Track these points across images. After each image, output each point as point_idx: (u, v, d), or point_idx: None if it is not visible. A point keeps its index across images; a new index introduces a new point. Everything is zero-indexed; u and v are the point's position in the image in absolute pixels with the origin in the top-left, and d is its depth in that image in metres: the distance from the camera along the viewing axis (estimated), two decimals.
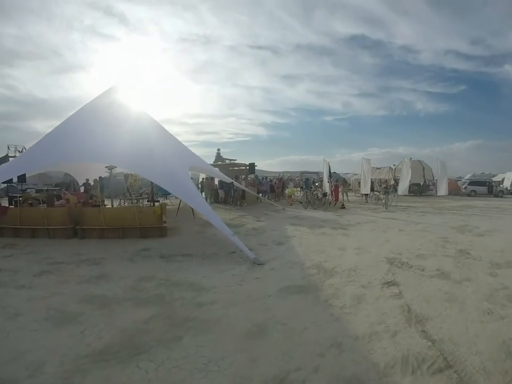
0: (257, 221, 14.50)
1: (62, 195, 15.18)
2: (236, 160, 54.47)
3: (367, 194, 23.56)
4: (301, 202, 20.10)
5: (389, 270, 6.92)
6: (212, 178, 22.67)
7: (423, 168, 30.75)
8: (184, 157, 13.23)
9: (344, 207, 19.13)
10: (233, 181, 18.71)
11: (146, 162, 10.36)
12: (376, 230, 11.83)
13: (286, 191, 22.49)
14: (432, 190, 30.44)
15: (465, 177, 41.07)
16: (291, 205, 21.12)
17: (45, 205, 12.31)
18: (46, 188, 24.61)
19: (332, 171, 20.32)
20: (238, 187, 19.83)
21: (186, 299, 5.38)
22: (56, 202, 12.80)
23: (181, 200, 15.21)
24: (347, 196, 24.44)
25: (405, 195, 25.76)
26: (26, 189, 21.73)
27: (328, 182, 19.95)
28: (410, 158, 29.36)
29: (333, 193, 22.88)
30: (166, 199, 20.25)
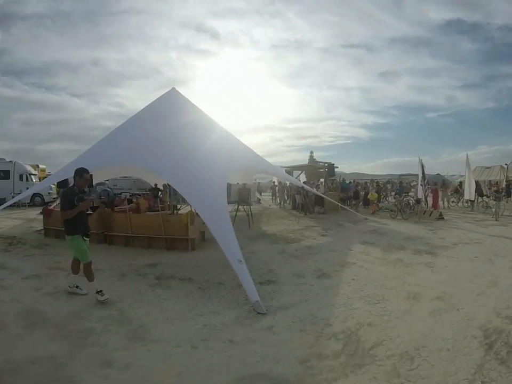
0: (322, 235, 11.89)
1: (135, 199, 14.96)
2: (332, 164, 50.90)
3: (473, 201, 19.14)
4: (391, 211, 16.43)
5: (482, 365, 3.70)
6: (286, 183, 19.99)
7: None
8: (232, 160, 10.85)
9: (443, 218, 15.37)
10: (303, 185, 15.93)
11: (175, 167, 9.15)
12: (479, 259, 8.42)
13: (368, 197, 18.84)
14: None
15: None
16: (372, 213, 17.89)
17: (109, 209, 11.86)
18: (139, 193, 24.32)
19: (424, 172, 16.28)
20: (311, 192, 16.93)
21: (96, 355, 3.93)
22: (126, 206, 12.04)
23: (238, 206, 13.95)
24: (448, 202, 20.24)
25: None
26: (121, 193, 21.81)
27: (421, 185, 16.00)
28: None
29: (432, 199, 19.31)
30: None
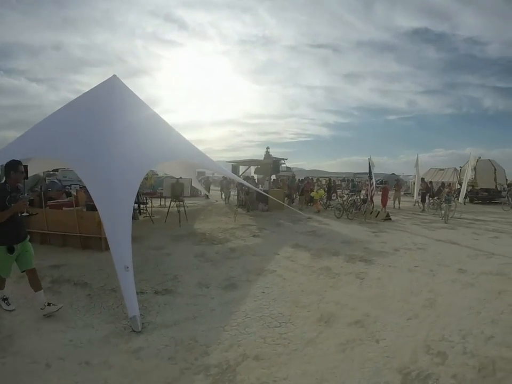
0: (255, 235, 10.61)
1: (75, 193, 12.89)
2: (286, 159, 49.30)
3: (424, 201, 18.18)
4: (337, 210, 15.13)
5: None
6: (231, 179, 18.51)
7: (495, 169, 23.99)
8: (159, 153, 9.23)
9: (390, 219, 14.24)
10: (242, 181, 14.47)
11: (92, 159, 7.48)
12: (419, 269, 7.15)
13: (312, 195, 17.41)
14: (505, 197, 24.06)
15: None
16: (317, 211, 16.64)
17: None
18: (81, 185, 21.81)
19: (372, 171, 14.98)
20: (252, 189, 15.48)
21: None
22: (64, 200, 10.96)
23: (171, 202, 13.10)
24: (399, 202, 19.24)
25: (472, 203, 20.47)
26: (70, 185, 19.36)
27: (369, 184, 14.72)
28: (479, 157, 23.37)
29: (381, 198, 18.28)
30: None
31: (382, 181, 35.22)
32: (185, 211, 12.69)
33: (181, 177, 13.78)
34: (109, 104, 9.44)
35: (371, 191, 14.01)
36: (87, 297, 5.34)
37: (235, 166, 20.56)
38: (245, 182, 14.64)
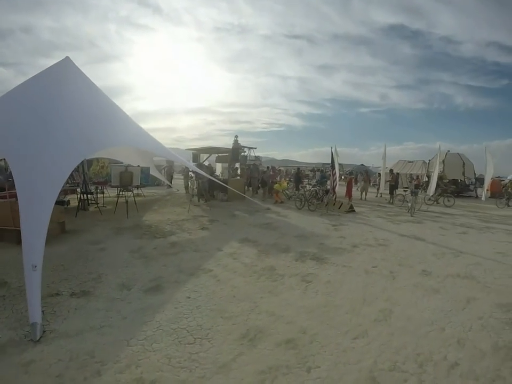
0: (203, 227, 9.64)
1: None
2: (255, 148, 47.84)
3: (392, 194, 17.41)
4: (299, 200, 14.15)
5: None
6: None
7: (463, 163, 23.52)
8: (102, 139, 8.47)
9: (353, 210, 13.38)
10: (196, 169, 13.20)
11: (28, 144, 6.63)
12: (378, 270, 6.27)
13: (275, 186, 16.33)
14: (473, 190, 23.68)
15: (509, 177, 32.85)
16: (279, 202, 15.64)
17: None
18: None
19: (334, 161, 13.93)
20: (206, 178, 14.33)
21: None
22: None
23: (119, 192, 12.23)
24: (366, 193, 18.48)
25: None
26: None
27: (331, 174, 13.69)
28: (448, 151, 22.97)
29: (346, 189, 17.43)
30: (137, 189, 16.06)
31: (351, 171, 34.76)
32: (135, 201, 11.96)
33: (129, 165, 12.66)
34: (57, 89, 8.62)
35: (333, 181, 13.03)
36: (1, 298, 4.63)
37: (195, 154, 19.38)
38: (198, 170, 13.38)
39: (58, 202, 10.70)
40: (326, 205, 13.33)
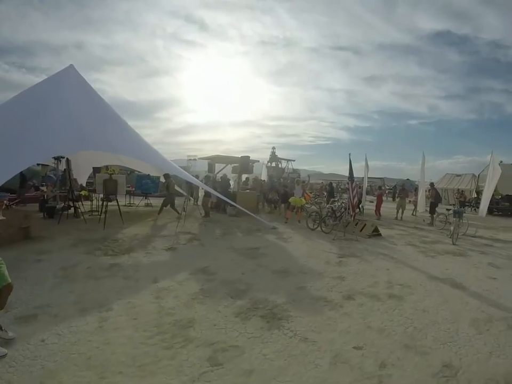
0: (170, 248, 7.71)
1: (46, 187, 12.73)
2: (294, 161, 45.04)
3: (432, 213, 14.02)
4: (313, 220, 11.34)
5: None
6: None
7: None
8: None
9: (379, 234, 10.35)
10: (194, 179, 11.19)
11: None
12: (360, 358, 3.50)
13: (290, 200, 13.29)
14: None
15: None
16: (286, 221, 12.67)
17: None
18: None
19: (353, 171, 10.68)
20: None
21: None
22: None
23: (103, 201, 10.60)
24: (402, 212, 15.23)
25: (491, 215, 16.68)
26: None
27: (349, 188, 10.53)
28: (501, 161, 18.99)
29: (375, 206, 14.55)
30: (146, 198, 15.41)
31: (395, 186, 31.24)
32: (120, 211, 10.50)
33: (113, 173, 11.22)
34: (54, 95, 8.95)
35: (352, 197, 9.97)
36: None
37: (211, 164, 17.14)
38: (197, 182, 11.37)
39: (50, 208, 10.80)
40: (346, 226, 10.41)
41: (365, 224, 10.63)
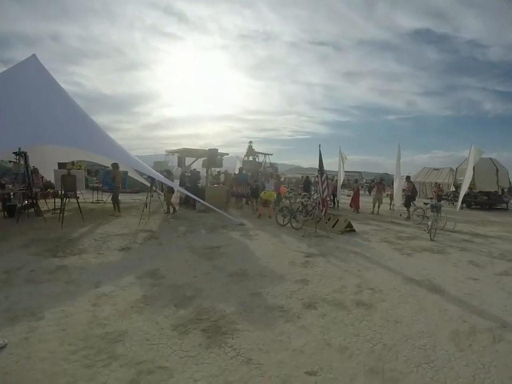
0: (124, 248, 6.97)
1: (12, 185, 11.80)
2: (271, 155, 44.42)
3: (408, 206, 13.45)
4: (283, 215, 10.62)
5: None
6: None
7: (497, 169, 19.21)
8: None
9: (353, 230, 9.71)
10: (156, 173, 10.63)
11: None
12: None
13: (261, 195, 12.49)
14: (507, 201, 19.47)
15: None
16: (259, 216, 11.99)
17: None
18: None
19: (323, 164, 9.87)
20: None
21: None
22: None
23: (61, 198, 9.68)
24: (379, 206, 14.59)
25: (469, 208, 16.87)
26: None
27: (318, 181, 9.70)
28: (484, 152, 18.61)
29: (352, 200, 14.04)
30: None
31: (373, 180, 30.86)
32: (79, 209, 9.78)
33: (72, 169, 11.17)
34: (13, 85, 8.76)
35: (322, 191, 9.22)
36: None
37: (180, 158, 16.29)
38: (159, 176, 10.65)
39: (10, 207, 10.06)
40: (318, 221, 9.69)
41: (338, 220, 9.94)
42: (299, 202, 10.75)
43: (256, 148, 45.66)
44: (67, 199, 9.61)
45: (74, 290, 4.51)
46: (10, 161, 13.85)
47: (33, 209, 10.30)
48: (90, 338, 3.26)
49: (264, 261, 6.28)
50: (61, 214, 8.99)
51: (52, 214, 10.54)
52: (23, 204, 10.18)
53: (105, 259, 6.10)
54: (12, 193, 11.00)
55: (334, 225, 9.75)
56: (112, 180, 11.66)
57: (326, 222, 9.78)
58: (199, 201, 11.41)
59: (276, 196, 12.90)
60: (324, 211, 9.22)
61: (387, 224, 11.51)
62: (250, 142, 45.41)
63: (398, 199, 13.79)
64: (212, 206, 10.59)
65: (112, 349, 3.10)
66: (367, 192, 26.11)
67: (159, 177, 10.58)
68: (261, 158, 44.45)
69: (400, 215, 13.70)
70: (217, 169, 18.25)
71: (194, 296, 4.42)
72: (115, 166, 11.35)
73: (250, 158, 43.59)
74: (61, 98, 9.51)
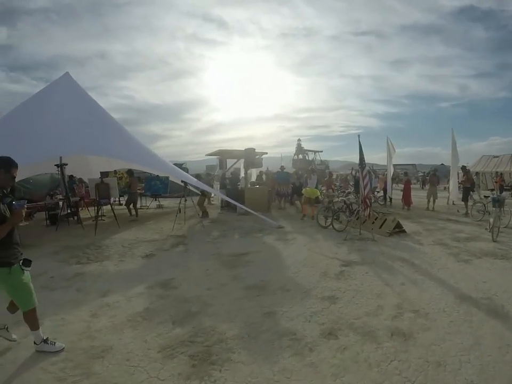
0: (149, 254, 6.79)
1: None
2: (321, 152, 43.51)
3: (466, 201, 12.02)
4: (324, 216, 9.75)
5: None
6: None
7: None
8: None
9: (402, 230, 8.67)
10: (189, 177, 10.96)
11: None
12: None
13: (303, 192, 11.52)
14: None
15: None
16: (303, 217, 11.08)
17: None
18: None
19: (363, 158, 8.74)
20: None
21: None
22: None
23: (98, 207, 9.98)
24: (434, 201, 13.20)
25: None
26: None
27: (360, 177, 8.73)
28: None
29: (403, 195, 13.81)
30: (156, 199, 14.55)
31: (429, 172, 28.79)
32: (115, 216, 9.87)
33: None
34: (50, 102, 9.01)
35: (364, 188, 8.21)
36: None
37: (221, 160, 15.90)
38: (192, 180, 10.67)
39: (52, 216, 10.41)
40: (364, 222, 8.74)
41: (385, 219, 8.90)
42: (341, 201, 9.79)
43: (307, 146, 44.67)
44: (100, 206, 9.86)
45: (82, 298, 4.43)
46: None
47: (75, 217, 10.62)
48: (74, 351, 3.14)
49: (292, 271, 5.52)
50: (96, 221, 9.06)
51: (92, 221, 10.48)
52: (65, 213, 10.44)
53: (124, 267, 5.95)
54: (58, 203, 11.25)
55: (381, 226, 8.74)
56: (128, 186, 11.85)
57: (373, 223, 8.80)
58: (237, 205, 10.92)
59: (319, 193, 12.00)
60: (367, 211, 8.22)
61: (443, 222, 10.20)
62: (299, 140, 43.95)
63: (455, 193, 12.37)
64: (248, 209, 10.16)
65: (90, 365, 2.91)
66: (417, 186, 24.39)
67: (192, 180, 10.27)
68: (310, 156, 43.19)
69: (458, 210, 12.25)
70: (259, 169, 17.63)
71: (199, 313, 3.88)
72: (130, 173, 11.69)
73: (300, 157, 42.46)
74: (95, 112, 9.65)
